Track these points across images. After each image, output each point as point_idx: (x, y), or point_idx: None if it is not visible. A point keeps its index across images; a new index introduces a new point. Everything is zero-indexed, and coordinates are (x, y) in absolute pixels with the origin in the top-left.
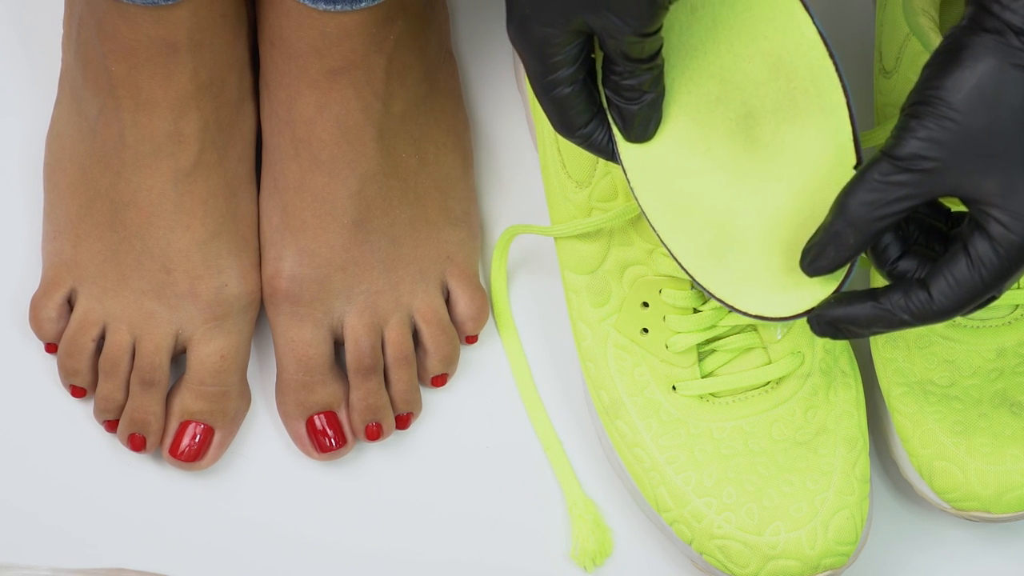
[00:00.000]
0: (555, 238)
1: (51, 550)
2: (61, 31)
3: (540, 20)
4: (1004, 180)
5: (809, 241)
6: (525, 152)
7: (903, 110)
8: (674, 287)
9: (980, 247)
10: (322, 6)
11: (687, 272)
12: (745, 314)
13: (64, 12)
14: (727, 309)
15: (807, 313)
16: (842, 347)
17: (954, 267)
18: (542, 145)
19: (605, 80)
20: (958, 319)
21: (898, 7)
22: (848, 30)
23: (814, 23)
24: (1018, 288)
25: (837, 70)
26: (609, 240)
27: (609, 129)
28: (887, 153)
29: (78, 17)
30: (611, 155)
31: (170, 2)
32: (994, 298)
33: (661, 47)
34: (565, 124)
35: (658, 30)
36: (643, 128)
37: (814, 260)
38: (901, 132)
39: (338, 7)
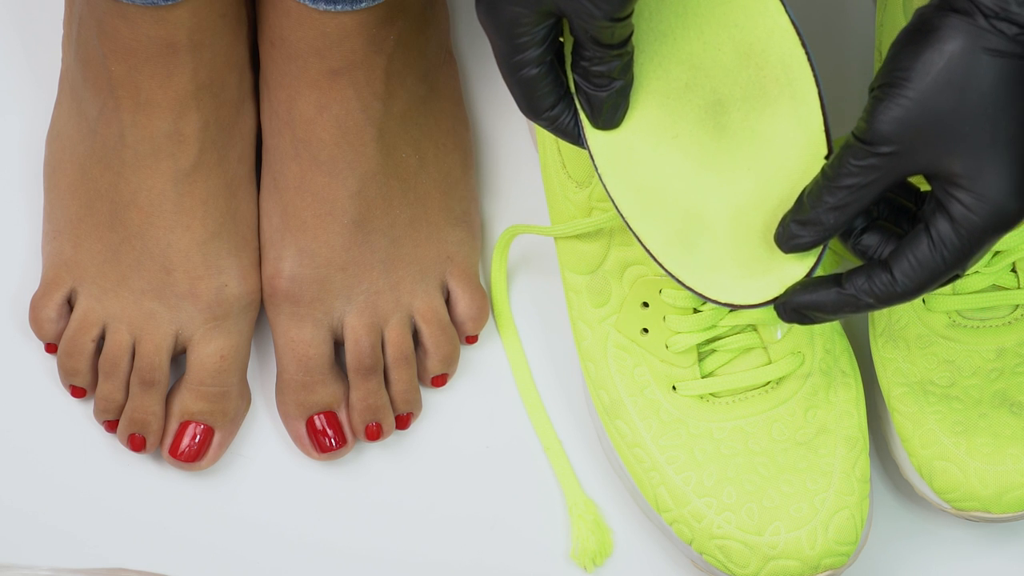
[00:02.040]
0: (555, 238)
1: (51, 550)
2: (61, 31)
3: (510, 0)
4: (969, 162)
5: (784, 218)
6: (525, 152)
7: (871, 91)
8: (674, 287)
9: (942, 228)
10: (322, 6)
11: (655, 259)
12: (715, 302)
13: (64, 12)
14: (697, 297)
15: (776, 300)
16: (842, 347)
17: (916, 248)
18: (542, 145)
19: (574, 65)
20: (958, 319)
21: (898, 7)
22: (848, 30)
23: (787, 12)
24: (1018, 288)
25: (809, 59)
26: (609, 240)
27: (576, 113)
28: (857, 136)
29: (78, 17)
30: (577, 139)
31: (170, 2)
32: (957, 277)
33: (631, 34)
34: (531, 106)
35: (629, 16)
36: (611, 115)
37: (791, 239)
38: (870, 115)
39: (338, 7)
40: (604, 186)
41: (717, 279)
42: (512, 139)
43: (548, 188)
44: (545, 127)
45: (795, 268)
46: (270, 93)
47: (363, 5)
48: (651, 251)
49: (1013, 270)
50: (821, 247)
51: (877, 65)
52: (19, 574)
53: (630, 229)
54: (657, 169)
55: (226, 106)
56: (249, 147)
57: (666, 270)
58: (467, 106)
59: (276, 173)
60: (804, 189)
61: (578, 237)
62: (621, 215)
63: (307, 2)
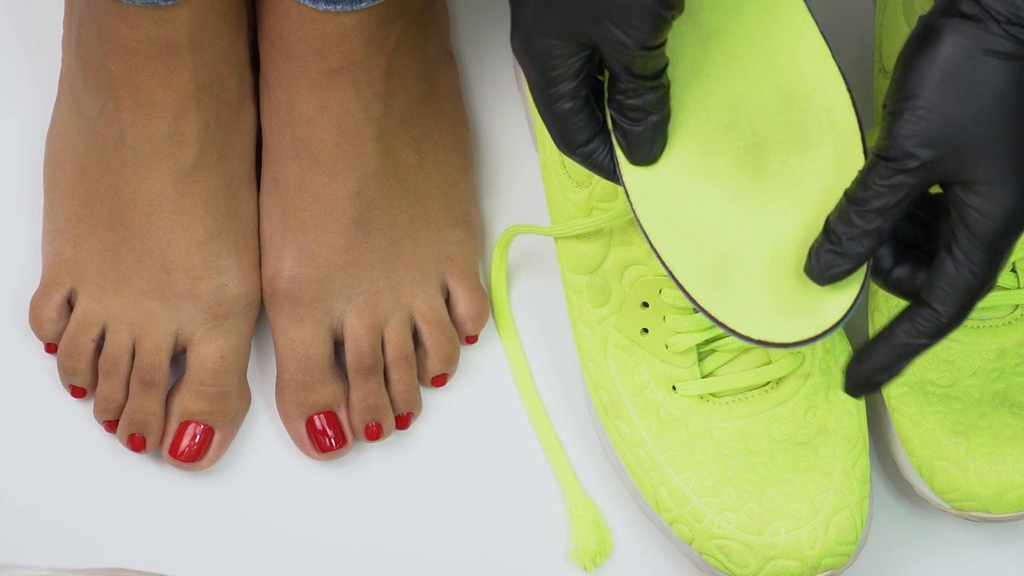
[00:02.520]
0: (555, 238)
1: (51, 550)
2: (61, 31)
3: (543, 31)
4: (987, 166)
5: (815, 250)
6: (525, 152)
7: (886, 107)
8: (674, 287)
9: (962, 243)
10: (322, 6)
11: (688, 296)
12: (748, 339)
13: (64, 12)
14: (729, 334)
15: (811, 340)
16: (842, 347)
17: (943, 274)
18: (542, 145)
19: (610, 100)
20: None
21: (898, 7)
22: (848, 30)
23: (833, 57)
24: (1018, 288)
25: (853, 105)
26: (609, 240)
27: (611, 148)
28: (880, 156)
29: (78, 17)
30: (612, 175)
31: (170, 2)
32: (991, 288)
33: (666, 66)
34: (565, 140)
35: (661, 45)
36: (647, 150)
37: (827, 269)
38: (889, 132)
39: (338, 7)
40: (639, 222)
41: (752, 316)
42: (512, 139)
43: (548, 188)
44: (580, 162)
45: (831, 308)
46: (270, 93)
47: (363, 5)
48: (684, 287)
49: (1013, 270)
50: (859, 290)
51: (877, 65)
52: (19, 574)
53: (664, 265)
54: (694, 207)
55: (226, 106)
56: (249, 147)
57: (700, 307)
58: (467, 106)
59: (276, 173)
60: (829, 217)
61: (578, 237)
62: (655, 251)
63: (307, 2)
